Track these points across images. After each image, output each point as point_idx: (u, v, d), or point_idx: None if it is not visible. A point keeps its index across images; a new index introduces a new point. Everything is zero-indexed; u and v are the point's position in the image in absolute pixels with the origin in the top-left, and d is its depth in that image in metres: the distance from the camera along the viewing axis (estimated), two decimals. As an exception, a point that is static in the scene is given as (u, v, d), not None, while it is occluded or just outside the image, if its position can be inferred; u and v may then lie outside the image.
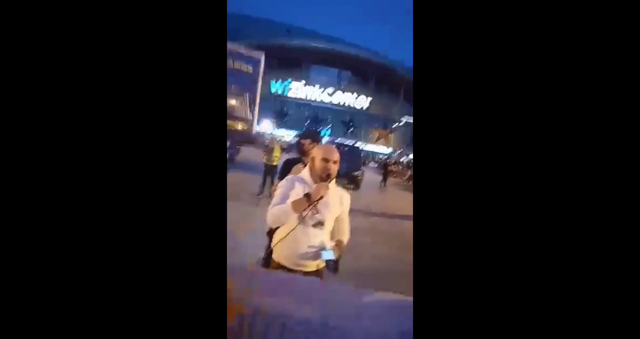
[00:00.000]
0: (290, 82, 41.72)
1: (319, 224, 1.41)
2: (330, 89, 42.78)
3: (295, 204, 1.33)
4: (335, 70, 44.51)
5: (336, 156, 1.45)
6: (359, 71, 43.28)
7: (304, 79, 42.32)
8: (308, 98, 42.40)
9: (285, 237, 1.39)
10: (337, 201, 1.47)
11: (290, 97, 42.26)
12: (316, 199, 1.34)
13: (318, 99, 42.72)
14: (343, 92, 43.15)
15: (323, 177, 1.39)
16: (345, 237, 1.53)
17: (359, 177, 10.41)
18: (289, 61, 41.84)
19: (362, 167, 11.54)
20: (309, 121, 41.34)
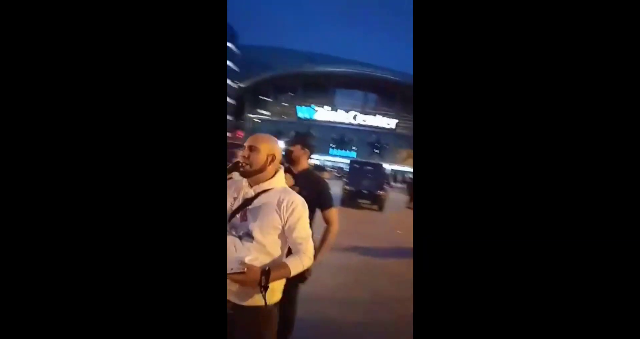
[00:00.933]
0: (313, 108, 42.69)
1: (247, 235, 1.12)
2: (355, 111, 43.28)
3: None
4: (360, 93, 45.18)
5: (252, 140, 1.17)
6: (384, 92, 43.63)
7: (330, 103, 43.24)
8: (334, 120, 43.04)
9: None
10: (275, 203, 1.13)
11: (318, 120, 43.15)
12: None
13: (346, 121, 43.24)
14: (369, 114, 43.47)
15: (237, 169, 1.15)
16: (293, 261, 1.12)
17: (383, 198, 10.33)
18: (315, 86, 43.20)
19: (386, 187, 11.41)
20: (335, 144, 41.68)
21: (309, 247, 1.16)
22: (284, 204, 1.13)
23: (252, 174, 1.15)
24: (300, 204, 1.15)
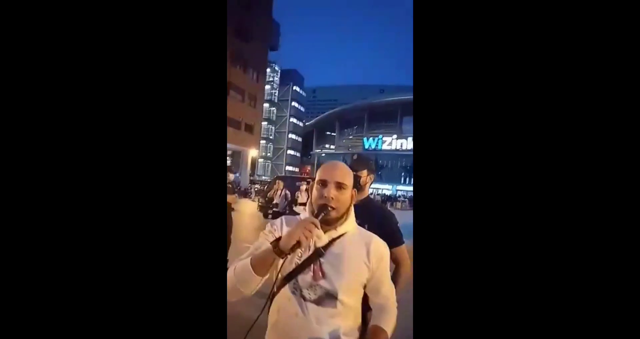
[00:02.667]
0: (381, 138, 41.83)
1: (328, 297, 0.81)
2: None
3: (257, 260, 0.80)
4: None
5: (340, 175, 0.86)
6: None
7: (397, 132, 41.79)
8: (404, 148, 41.14)
9: (274, 323, 0.86)
10: (361, 253, 0.86)
11: (385, 150, 41.85)
12: (288, 248, 0.76)
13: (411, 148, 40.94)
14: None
15: (315, 211, 0.84)
16: (387, 322, 0.86)
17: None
18: (382, 116, 42.62)
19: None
20: (403, 172, 39.39)
21: (395, 302, 0.92)
22: (372, 252, 0.86)
23: (340, 219, 0.87)
24: (386, 251, 0.90)
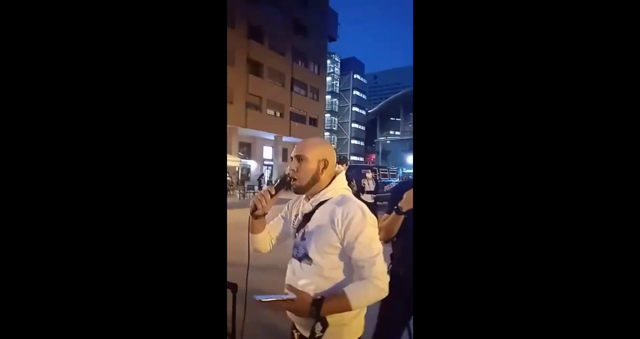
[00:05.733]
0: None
1: (305, 256, 0.95)
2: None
3: (253, 225, 1.03)
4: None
5: (300, 148, 0.98)
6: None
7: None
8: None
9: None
10: (328, 217, 0.93)
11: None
12: (251, 212, 0.99)
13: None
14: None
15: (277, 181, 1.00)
16: (356, 290, 0.88)
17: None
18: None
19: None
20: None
21: (376, 271, 0.88)
22: (338, 216, 0.90)
23: (308, 188, 0.98)
24: (358, 216, 0.90)
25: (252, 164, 20.24)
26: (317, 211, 0.96)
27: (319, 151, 0.98)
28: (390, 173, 13.06)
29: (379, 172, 10.80)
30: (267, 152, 21.29)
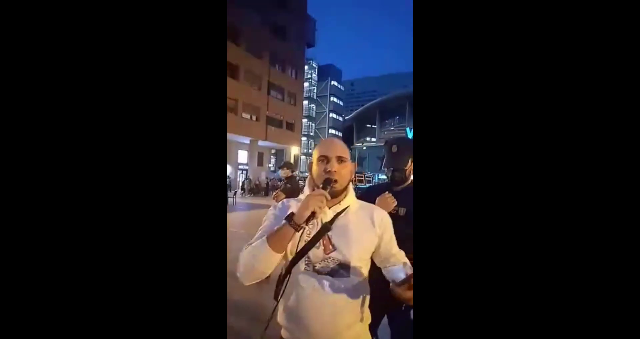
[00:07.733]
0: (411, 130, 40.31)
1: (340, 268, 0.86)
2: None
3: (274, 237, 0.80)
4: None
5: (339, 149, 0.90)
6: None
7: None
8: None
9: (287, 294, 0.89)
10: (367, 221, 0.91)
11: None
12: (303, 220, 0.78)
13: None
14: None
15: (320, 186, 0.85)
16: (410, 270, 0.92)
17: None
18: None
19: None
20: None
21: (403, 255, 0.97)
22: (377, 220, 0.92)
23: (343, 191, 0.91)
24: (389, 219, 0.96)
25: (227, 169, 19.71)
26: (341, 217, 0.89)
27: (348, 153, 0.94)
28: (366, 179, 13.19)
29: (355, 178, 10.77)
30: (242, 156, 20.85)
